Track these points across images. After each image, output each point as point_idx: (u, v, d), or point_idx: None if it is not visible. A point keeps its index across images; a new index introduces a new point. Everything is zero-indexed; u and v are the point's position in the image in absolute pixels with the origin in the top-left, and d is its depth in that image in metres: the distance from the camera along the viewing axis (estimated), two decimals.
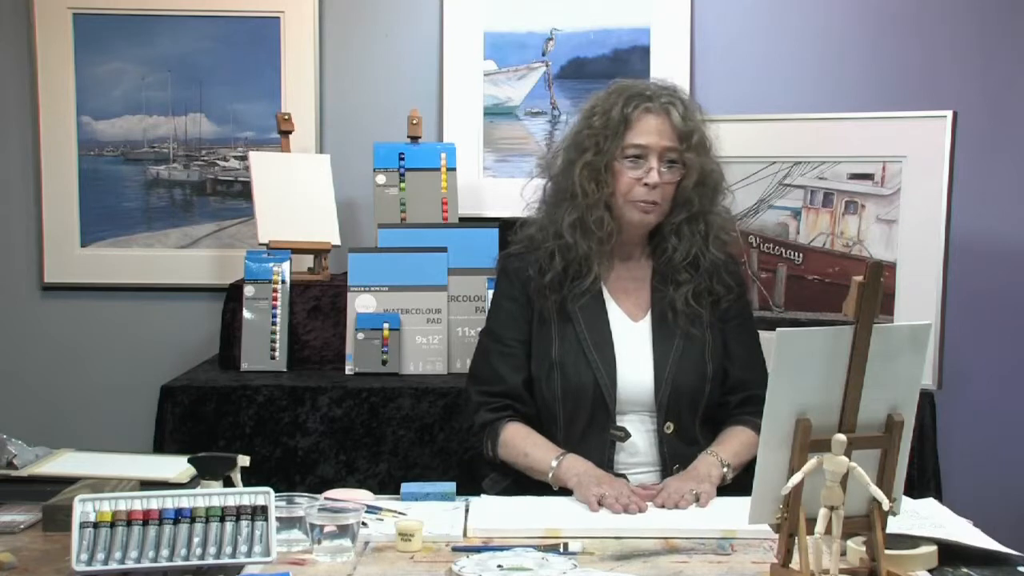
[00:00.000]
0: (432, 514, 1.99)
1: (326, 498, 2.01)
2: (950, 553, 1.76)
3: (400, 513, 1.99)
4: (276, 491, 1.78)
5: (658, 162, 2.25)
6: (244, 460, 2.01)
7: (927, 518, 1.94)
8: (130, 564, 1.68)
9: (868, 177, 2.84)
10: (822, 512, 1.55)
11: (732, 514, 1.94)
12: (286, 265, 3.02)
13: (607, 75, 3.19)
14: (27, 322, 3.44)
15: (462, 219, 3.20)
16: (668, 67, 3.28)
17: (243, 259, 3.03)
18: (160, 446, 2.83)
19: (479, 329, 2.80)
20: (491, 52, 3.37)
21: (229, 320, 3.03)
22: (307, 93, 3.36)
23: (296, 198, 3.14)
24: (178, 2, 3.35)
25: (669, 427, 2.27)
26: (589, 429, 2.27)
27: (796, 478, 1.56)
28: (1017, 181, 3.35)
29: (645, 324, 2.32)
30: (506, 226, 2.69)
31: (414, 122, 3.19)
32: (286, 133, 3.20)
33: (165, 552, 1.70)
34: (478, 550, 1.81)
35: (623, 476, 2.24)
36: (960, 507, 2.03)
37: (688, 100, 2.32)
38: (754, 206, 2.97)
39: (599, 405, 2.26)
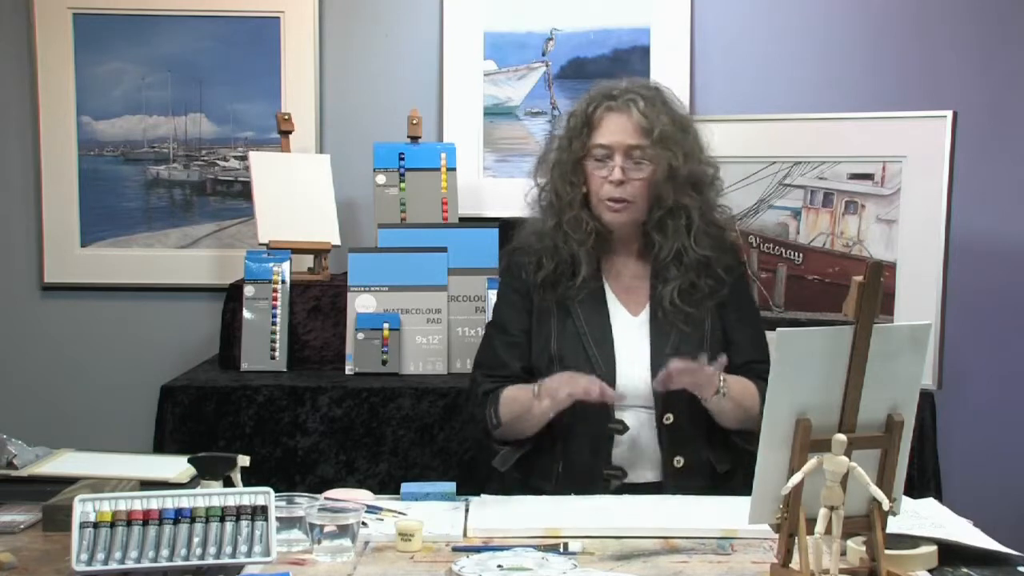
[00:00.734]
0: (432, 514, 1.99)
1: (326, 498, 2.01)
2: (950, 553, 1.76)
3: (400, 513, 1.99)
4: (276, 491, 1.78)
5: (623, 159, 2.27)
6: (244, 460, 2.01)
7: (927, 518, 1.94)
8: (130, 564, 1.68)
9: (868, 177, 2.84)
10: (822, 512, 1.55)
11: (732, 514, 1.94)
12: (286, 265, 3.02)
13: (607, 75, 3.17)
14: (27, 322, 3.44)
15: (462, 219, 3.20)
16: (668, 67, 3.29)
17: (243, 259, 3.03)
18: (160, 446, 2.83)
19: (479, 329, 2.81)
20: (491, 52, 3.37)
21: (229, 320, 3.03)
22: (307, 93, 3.36)
23: (296, 198, 3.14)
24: (178, 2, 3.34)
25: (669, 418, 2.27)
26: (588, 423, 2.28)
27: (796, 478, 1.56)
28: (1017, 181, 3.35)
29: (644, 318, 2.33)
30: (506, 226, 2.69)
31: (414, 122, 3.19)
32: (286, 133, 3.20)
33: (165, 552, 1.70)
34: (478, 550, 1.81)
35: (621, 470, 2.26)
36: (960, 507, 2.04)
37: (654, 95, 2.33)
38: (754, 206, 2.97)
39: None
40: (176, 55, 3.37)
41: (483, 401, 2.34)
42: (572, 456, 2.29)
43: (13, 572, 1.73)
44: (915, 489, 2.60)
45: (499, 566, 1.70)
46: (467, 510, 2.03)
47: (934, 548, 1.74)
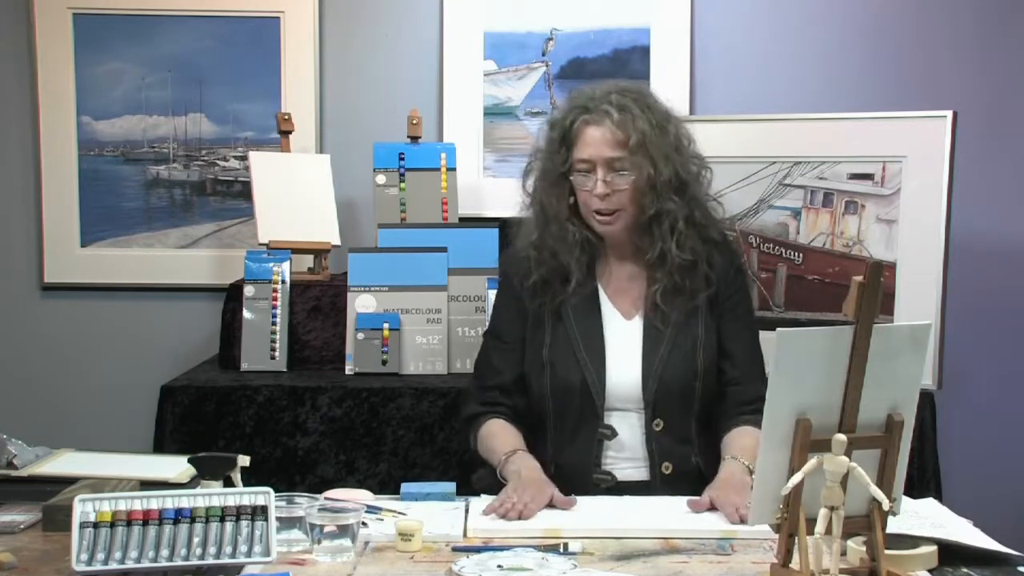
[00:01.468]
0: (432, 514, 1.99)
1: (326, 498, 2.01)
2: (950, 553, 1.76)
3: (400, 513, 1.99)
4: (276, 491, 1.78)
5: (605, 171, 2.26)
6: (244, 460, 2.01)
7: (927, 518, 1.94)
8: (130, 564, 1.68)
9: (868, 177, 2.84)
10: (822, 512, 1.55)
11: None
12: (286, 265, 3.02)
13: (607, 75, 3.21)
14: (27, 322, 3.44)
15: (462, 219, 3.20)
16: (668, 67, 3.29)
17: (243, 259, 3.03)
18: (160, 446, 2.83)
19: (479, 329, 2.81)
20: (491, 52, 3.37)
21: (229, 320, 3.03)
22: (307, 93, 3.36)
23: (296, 198, 3.14)
24: (178, 2, 3.34)
25: (658, 424, 2.27)
26: (578, 427, 2.29)
27: (796, 478, 1.56)
28: (1017, 181, 3.34)
29: (636, 323, 2.33)
30: (506, 226, 2.69)
31: (414, 122, 3.19)
32: (286, 133, 3.20)
33: (165, 552, 1.70)
34: (478, 550, 1.81)
35: (610, 475, 2.26)
36: (960, 507, 2.04)
37: (626, 102, 2.28)
38: (754, 206, 2.97)
39: (587, 403, 2.28)
40: (176, 55, 3.37)
41: (464, 424, 2.39)
42: (562, 460, 2.29)
43: (13, 572, 1.73)
44: (915, 489, 2.60)
45: (499, 566, 1.70)
46: (467, 510, 2.03)
47: (934, 548, 1.74)
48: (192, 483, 2.04)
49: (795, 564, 1.60)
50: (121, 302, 3.42)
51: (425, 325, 2.97)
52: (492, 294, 2.79)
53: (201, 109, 3.40)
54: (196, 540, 1.71)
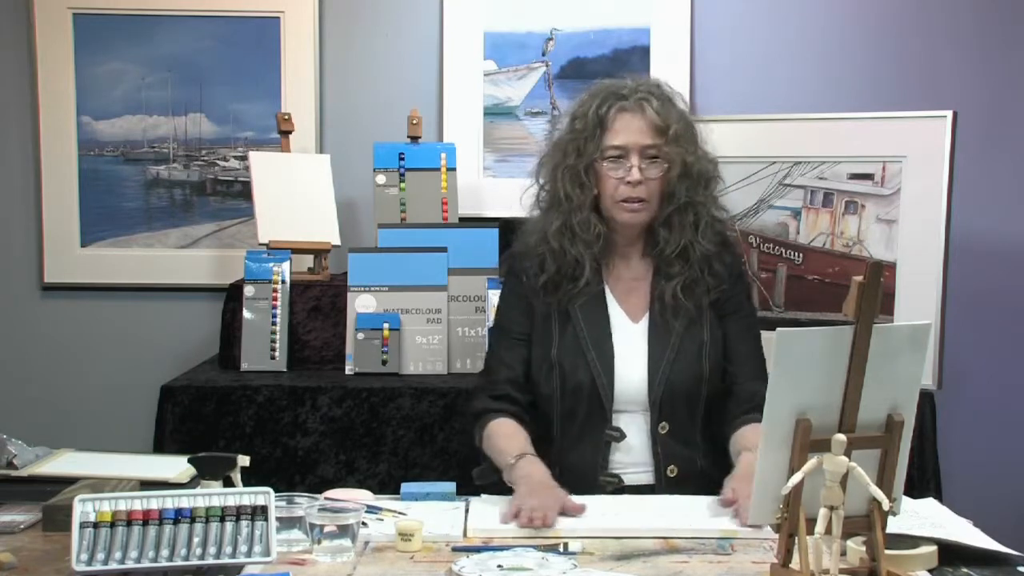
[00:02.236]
0: (432, 514, 1.99)
1: (326, 498, 2.01)
2: (950, 553, 1.76)
3: (400, 513, 1.99)
4: (276, 491, 1.78)
5: (638, 159, 2.26)
6: (244, 460, 2.01)
7: (927, 518, 1.94)
8: (130, 564, 1.68)
9: (868, 177, 2.84)
10: (822, 512, 1.55)
11: (732, 514, 1.95)
12: (286, 265, 3.02)
13: (607, 75, 3.16)
14: (27, 322, 3.44)
15: (462, 219, 3.20)
16: (668, 67, 3.28)
17: (243, 259, 3.03)
18: (160, 446, 2.83)
19: (479, 329, 2.81)
20: (491, 52, 3.37)
21: (229, 320, 3.03)
22: (307, 93, 3.36)
23: (296, 198, 3.14)
24: (178, 2, 3.34)
25: (664, 427, 2.27)
26: (586, 428, 2.28)
27: (796, 478, 1.56)
28: (1017, 181, 3.35)
29: (643, 324, 2.33)
30: (506, 226, 2.69)
31: (414, 122, 3.19)
32: (286, 133, 3.20)
33: (165, 552, 1.70)
34: (478, 550, 1.81)
35: (617, 477, 2.25)
36: (960, 507, 2.03)
37: (664, 93, 2.32)
38: (754, 206, 2.97)
39: (595, 404, 2.27)
40: (176, 55, 3.37)
41: (472, 419, 2.36)
42: (569, 461, 2.29)
43: (13, 572, 1.73)
44: (915, 489, 2.60)
45: (499, 566, 1.70)
46: (467, 510, 2.03)
47: (934, 548, 1.74)
48: (192, 483, 2.04)
49: (795, 564, 1.60)
50: (121, 302, 3.42)
51: (425, 325, 2.97)
52: (492, 294, 2.79)
53: (201, 109, 3.40)
54: (196, 540, 1.71)
